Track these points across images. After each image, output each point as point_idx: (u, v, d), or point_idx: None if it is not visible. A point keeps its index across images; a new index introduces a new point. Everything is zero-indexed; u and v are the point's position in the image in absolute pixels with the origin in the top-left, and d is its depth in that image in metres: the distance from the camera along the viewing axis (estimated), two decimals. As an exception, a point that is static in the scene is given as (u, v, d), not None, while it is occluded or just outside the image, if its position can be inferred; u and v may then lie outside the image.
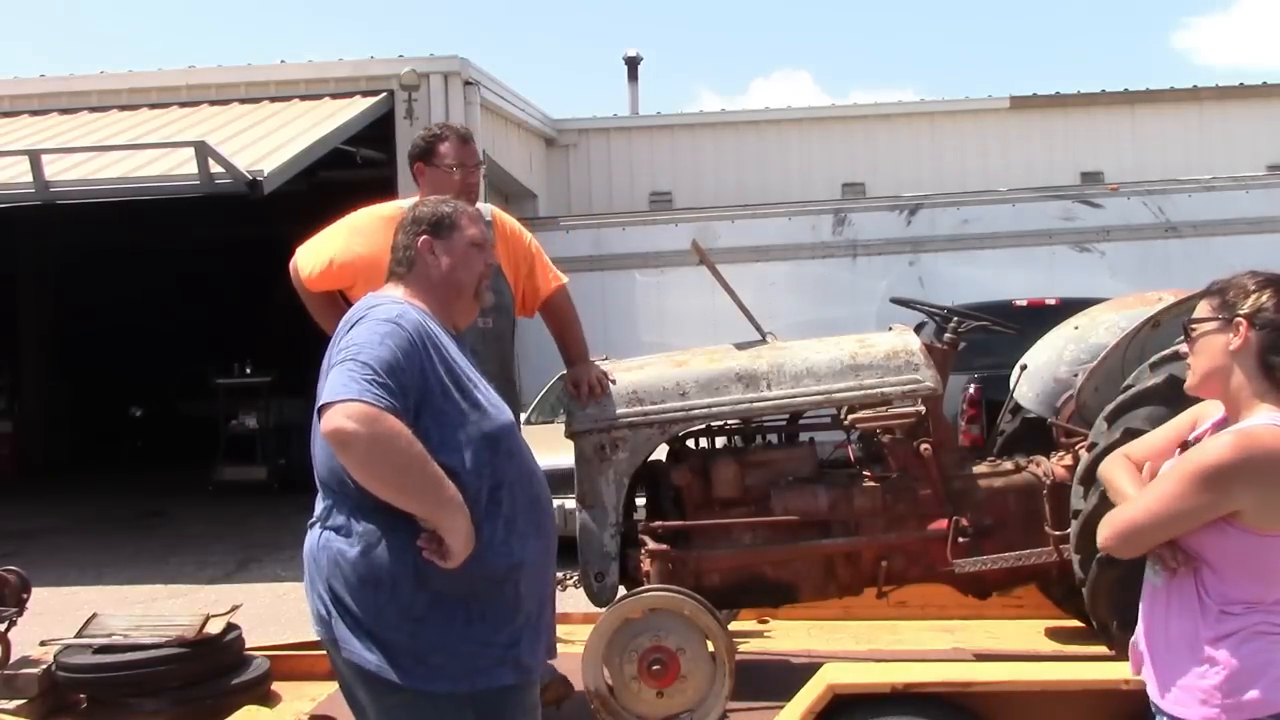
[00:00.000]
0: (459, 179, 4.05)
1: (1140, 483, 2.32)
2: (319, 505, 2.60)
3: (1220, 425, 2.29)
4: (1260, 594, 2.14)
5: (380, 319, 2.49)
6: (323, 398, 2.39)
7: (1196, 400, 2.39)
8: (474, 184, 4.14)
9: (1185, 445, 2.35)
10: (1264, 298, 2.19)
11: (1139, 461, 2.40)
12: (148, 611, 6.79)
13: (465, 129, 4.21)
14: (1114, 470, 2.42)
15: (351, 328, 2.52)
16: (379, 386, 2.35)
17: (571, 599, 5.34)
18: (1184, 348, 2.32)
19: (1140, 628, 2.33)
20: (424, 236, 2.69)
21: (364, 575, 2.43)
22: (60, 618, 5.94)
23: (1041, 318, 6.08)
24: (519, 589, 2.51)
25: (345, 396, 2.33)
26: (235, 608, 4.68)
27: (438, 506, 2.37)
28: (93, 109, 12.91)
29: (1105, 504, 3.72)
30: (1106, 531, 2.25)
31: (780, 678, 4.13)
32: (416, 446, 2.35)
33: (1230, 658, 2.12)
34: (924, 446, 4.17)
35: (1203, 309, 2.28)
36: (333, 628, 2.50)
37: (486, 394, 2.59)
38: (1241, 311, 2.20)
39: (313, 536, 2.58)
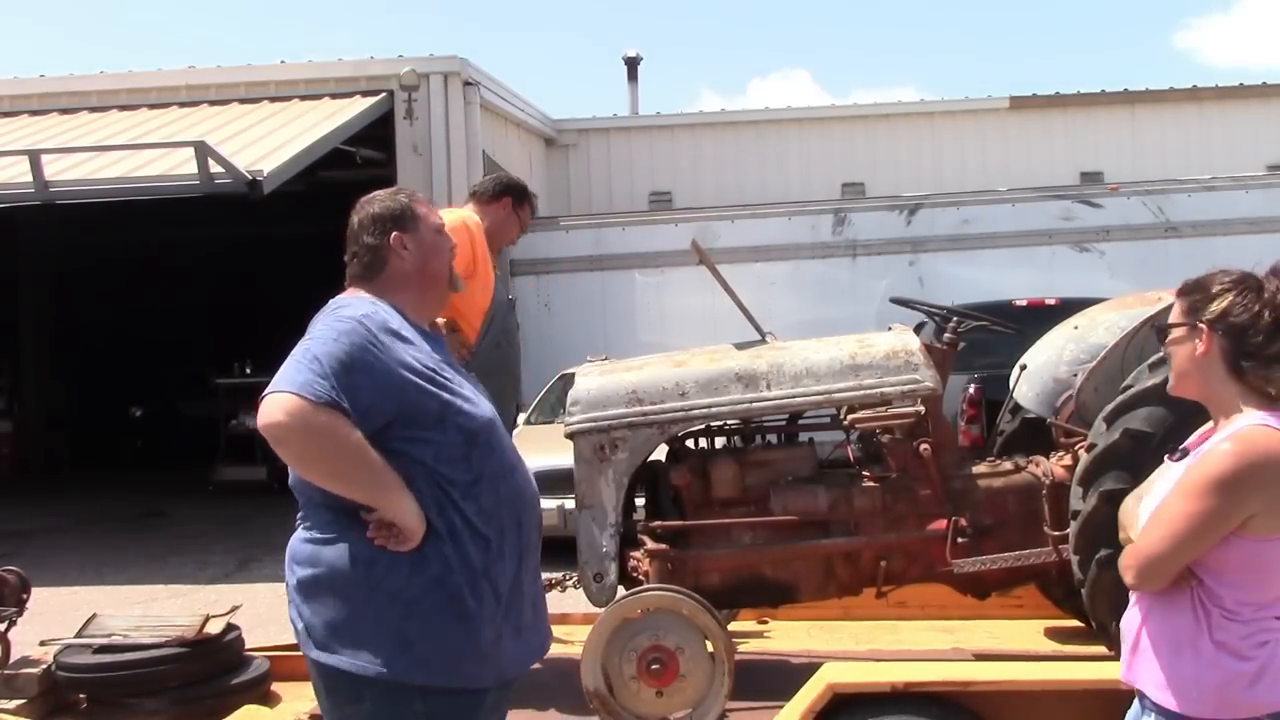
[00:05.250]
0: (513, 237, 4.96)
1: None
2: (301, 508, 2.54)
3: (1208, 433, 2.29)
4: (1258, 596, 2.15)
5: (345, 316, 2.42)
6: (268, 388, 2.33)
7: (1193, 403, 2.37)
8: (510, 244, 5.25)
9: (1173, 451, 2.35)
10: (1226, 302, 2.19)
11: None
12: (148, 611, 6.79)
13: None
14: (1129, 511, 2.39)
15: (313, 325, 2.44)
16: (322, 380, 2.29)
17: (571, 599, 5.34)
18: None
19: (1130, 622, 2.33)
20: (394, 233, 2.58)
21: (355, 554, 2.37)
22: (60, 618, 5.94)
23: (1041, 318, 6.07)
24: (497, 586, 2.44)
25: (282, 388, 2.29)
26: (235, 608, 4.68)
27: (380, 491, 2.33)
28: (93, 109, 12.94)
29: (1104, 505, 3.76)
30: (1130, 572, 2.21)
31: (780, 678, 4.13)
32: (354, 437, 2.30)
33: (1234, 659, 2.13)
34: (924, 446, 4.16)
35: (1175, 311, 2.28)
36: (297, 631, 2.44)
37: (463, 389, 2.51)
38: (1205, 318, 2.20)
39: (292, 537, 2.53)
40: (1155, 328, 2.30)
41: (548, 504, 8.24)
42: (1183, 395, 2.32)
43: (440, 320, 4.37)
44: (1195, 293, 2.24)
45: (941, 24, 62.24)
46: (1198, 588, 2.17)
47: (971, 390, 8.67)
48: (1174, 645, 2.18)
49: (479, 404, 2.52)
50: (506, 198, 4.77)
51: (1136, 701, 2.34)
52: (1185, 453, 2.30)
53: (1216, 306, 2.19)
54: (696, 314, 11.20)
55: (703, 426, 4.38)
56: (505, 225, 4.77)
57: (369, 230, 2.60)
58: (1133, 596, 2.32)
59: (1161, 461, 2.45)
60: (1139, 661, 2.26)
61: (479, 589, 2.41)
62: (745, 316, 4.54)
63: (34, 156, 9.40)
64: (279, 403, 2.27)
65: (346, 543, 2.39)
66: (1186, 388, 2.28)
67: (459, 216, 4.56)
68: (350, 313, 2.43)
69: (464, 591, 2.38)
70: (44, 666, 4.24)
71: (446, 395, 2.43)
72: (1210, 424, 2.32)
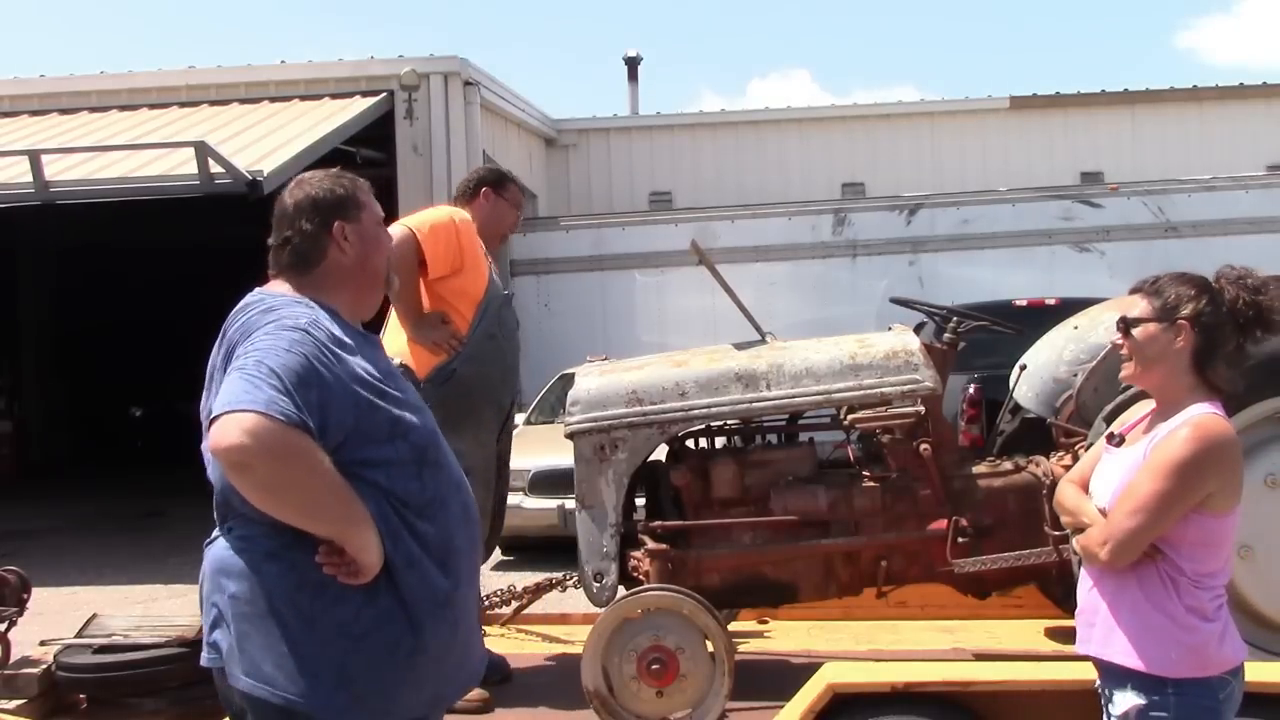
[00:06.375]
0: (511, 222, 4.86)
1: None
2: (221, 519, 2.27)
3: (1150, 418, 2.51)
4: (1211, 565, 2.40)
5: (289, 325, 2.15)
6: (217, 405, 2.03)
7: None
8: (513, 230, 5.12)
9: (1112, 436, 2.56)
10: (1203, 303, 2.42)
11: (1084, 483, 2.60)
12: (148, 611, 6.80)
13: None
14: (1072, 496, 2.61)
15: (250, 334, 2.16)
16: (285, 397, 2.02)
17: (571, 599, 5.35)
18: (1118, 338, 2.53)
19: (1094, 603, 2.49)
20: (336, 222, 2.32)
21: (302, 578, 2.13)
22: (60, 618, 5.94)
23: (1041, 318, 6.07)
24: (457, 613, 2.28)
25: (242, 406, 1.99)
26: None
27: (349, 526, 2.11)
28: (93, 109, 12.95)
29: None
30: (1105, 549, 2.40)
31: (780, 678, 4.13)
32: (326, 464, 2.07)
33: (1203, 621, 2.37)
34: (923, 446, 4.16)
35: (1142, 308, 2.47)
36: (223, 652, 2.18)
37: (408, 401, 2.31)
38: (1184, 314, 2.42)
39: (218, 548, 2.24)
40: (1122, 319, 2.50)
41: (548, 504, 8.38)
42: (1140, 383, 2.55)
43: (428, 312, 4.40)
44: (1167, 292, 2.45)
45: (941, 24, 62.38)
46: (1161, 562, 2.38)
47: (971, 390, 8.67)
48: (1150, 614, 2.38)
49: (424, 416, 2.33)
50: (484, 188, 4.72)
51: (1107, 686, 2.47)
52: (1121, 439, 2.53)
53: (1195, 307, 2.41)
54: (696, 314, 11.23)
55: (703, 426, 4.38)
56: (495, 215, 4.72)
57: (306, 215, 2.32)
58: (1089, 580, 2.52)
59: None
60: (1113, 637, 2.43)
61: (440, 618, 2.24)
62: (745, 316, 4.54)
63: (34, 156, 9.41)
64: (240, 423, 1.98)
65: (290, 562, 2.15)
66: (1150, 377, 2.49)
67: (444, 211, 4.59)
68: (293, 321, 2.17)
69: (419, 625, 2.20)
70: (44, 666, 4.24)
71: (396, 410, 2.24)
72: (1140, 414, 2.57)
